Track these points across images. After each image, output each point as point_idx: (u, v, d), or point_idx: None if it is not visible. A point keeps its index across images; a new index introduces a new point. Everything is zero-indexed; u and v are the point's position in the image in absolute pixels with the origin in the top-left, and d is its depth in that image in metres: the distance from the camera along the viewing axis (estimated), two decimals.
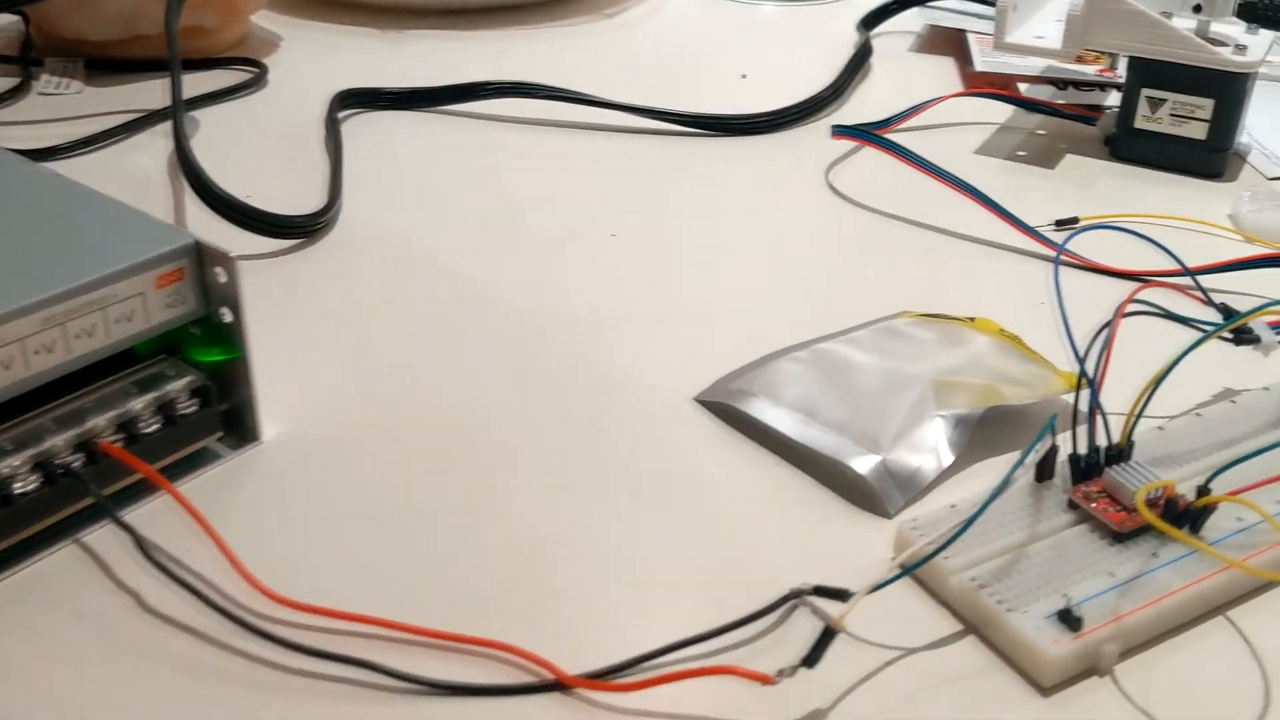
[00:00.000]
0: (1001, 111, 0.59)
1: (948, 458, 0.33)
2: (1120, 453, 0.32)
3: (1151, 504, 0.30)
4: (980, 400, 0.35)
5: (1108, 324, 0.32)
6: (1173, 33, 0.51)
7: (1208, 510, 0.30)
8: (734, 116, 0.57)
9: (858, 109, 0.61)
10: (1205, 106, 0.52)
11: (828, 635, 0.26)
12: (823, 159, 0.54)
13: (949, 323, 0.39)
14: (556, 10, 0.74)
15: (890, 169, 0.51)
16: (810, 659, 0.26)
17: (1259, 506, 0.29)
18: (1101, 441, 0.32)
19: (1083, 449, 0.32)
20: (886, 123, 0.56)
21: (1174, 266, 0.43)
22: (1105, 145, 0.55)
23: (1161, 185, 0.53)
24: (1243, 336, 0.35)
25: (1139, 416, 0.32)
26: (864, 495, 0.33)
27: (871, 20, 0.70)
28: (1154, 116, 0.53)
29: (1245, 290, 0.41)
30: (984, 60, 0.64)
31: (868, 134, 0.51)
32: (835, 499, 0.33)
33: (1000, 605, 0.28)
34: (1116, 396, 0.32)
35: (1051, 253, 0.46)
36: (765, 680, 0.25)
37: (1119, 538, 0.30)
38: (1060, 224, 0.48)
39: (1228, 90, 0.51)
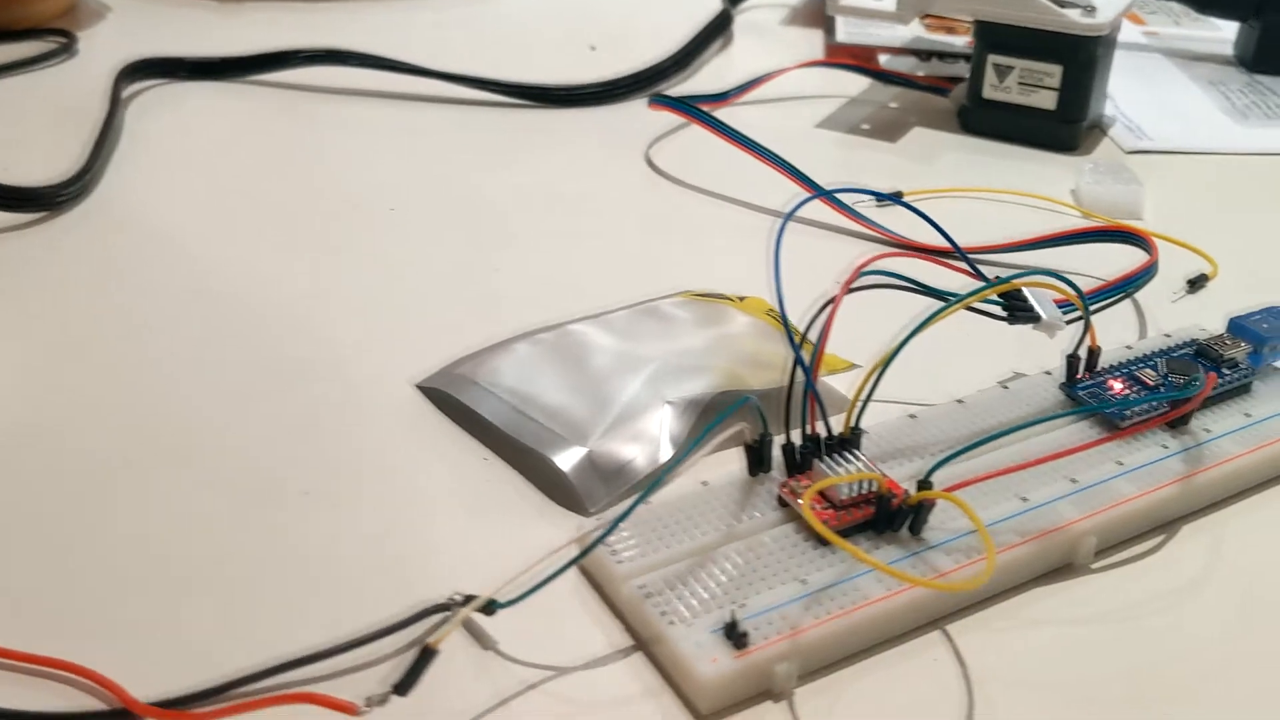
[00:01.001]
0: (857, 84, 0.56)
1: (668, 450, 0.30)
2: (841, 442, 0.28)
3: (859, 501, 0.26)
4: (716, 384, 0.31)
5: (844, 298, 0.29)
6: None
7: (924, 508, 0.26)
8: (558, 87, 0.53)
9: (707, 82, 0.57)
10: (1053, 74, 0.48)
11: (425, 656, 0.22)
12: (648, 134, 0.50)
13: (716, 302, 0.36)
14: None
15: (718, 145, 0.47)
16: (402, 685, 0.22)
17: (966, 505, 0.25)
18: (828, 430, 0.28)
19: (815, 439, 0.28)
20: (723, 96, 0.52)
21: (995, 242, 0.40)
22: (958, 118, 0.52)
23: (1009, 159, 0.49)
24: (1017, 313, 0.32)
25: (866, 400, 0.28)
26: (566, 492, 0.29)
27: None
28: (1002, 85, 0.49)
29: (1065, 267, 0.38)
30: (847, 31, 0.60)
31: (683, 105, 0.47)
32: (541, 498, 0.29)
33: (664, 618, 0.24)
34: (901, 383, 0.29)
35: (867, 230, 0.42)
36: (348, 710, 0.22)
37: (825, 540, 0.26)
38: (881, 199, 0.45)
39: (1076, 56, 0.48)
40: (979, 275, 0.32)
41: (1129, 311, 0.38)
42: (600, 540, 0.24)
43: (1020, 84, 0.49)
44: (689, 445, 0.25)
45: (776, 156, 0.44)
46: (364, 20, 0.64)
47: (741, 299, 0.36)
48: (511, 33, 0.63)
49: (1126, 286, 0.35)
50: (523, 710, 0.23)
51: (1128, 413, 0.30)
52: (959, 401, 0.31)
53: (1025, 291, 0.32)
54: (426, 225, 0.43)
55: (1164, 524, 0.29)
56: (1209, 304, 0.38)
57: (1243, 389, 0.32)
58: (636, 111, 0.53)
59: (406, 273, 0.39)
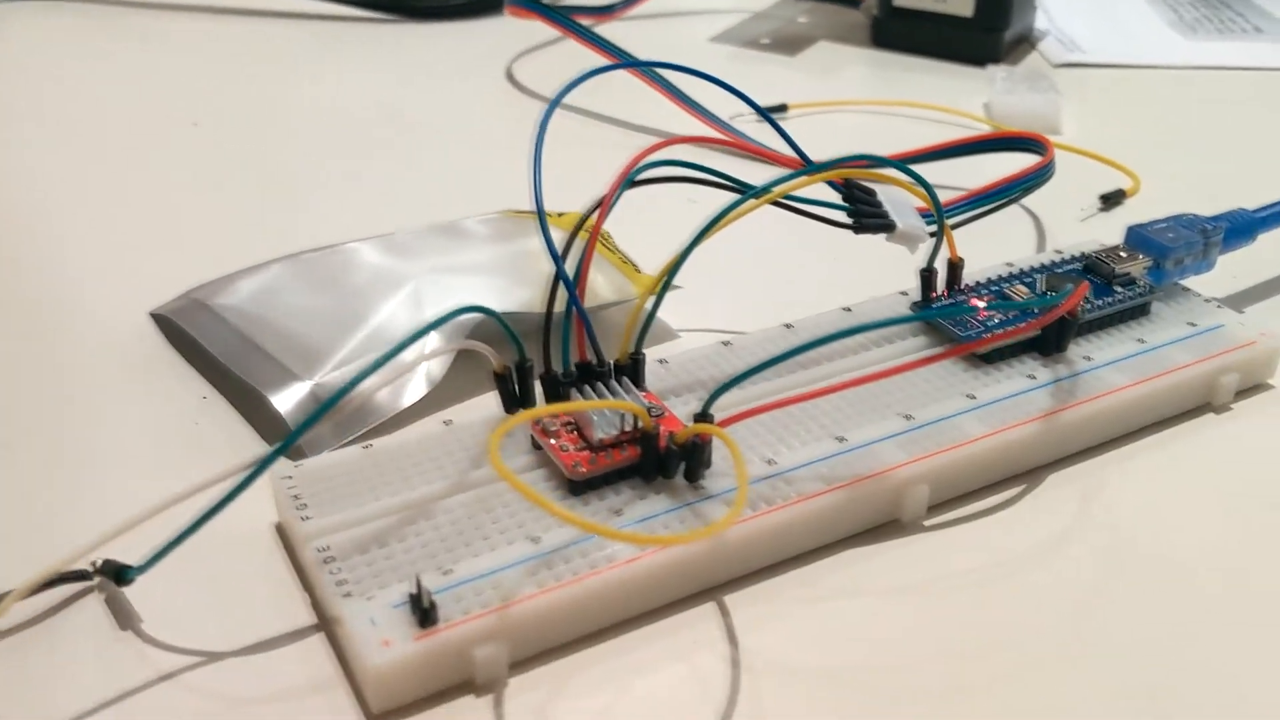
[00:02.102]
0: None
1: (421, 384, 0.24)
2: (618, 371, 0.22)
3: (623, 441, 0.21)
4: (495, 305, 0.25)
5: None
6: None
7: (695, 448, 0.20)
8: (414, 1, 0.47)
9: None
10: None
11: None
12: (514, 49, 0.44)
13: (527, 218, 0.30)
14: None
15: (592, 60, 0.41)
16: None
17: (729, 439, 0.19)
18: (599, 357, 0.22)
19: (587, 366, 0.22)
20: (608, 9, 0.46)
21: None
22: (871, 32, 0.46)
23: (921, 73, 0.43)
24: (866, 220, 0.26)
25: (648, 321, 0.22)
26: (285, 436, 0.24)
27: None
28: None
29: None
30: None
31: (541, 7, 0.41)
32: (260, 444, 0.24)
33: (340, 588, 0.19)
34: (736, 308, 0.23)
35: (736, 148, 0.36)
36: None
37: (575, 488, 0.21)
38: (764, 113, 0.39)
39: None
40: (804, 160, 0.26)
41: (1029, 229, 0.32)
42: (246, 483, 0.18)
43: None
44: (369, 368, 0.20)
45: (653, 72, 0.38)
46: None
47: (560, 214, 0.30)
48: None
49: (1010, 190, 0.29)
50: (141, 709, 0.18)
51: (968, 329, 0.24)
52: (787, 326, 0.26)
53: (880, 196, 0.27)
54: (237, 143, 0.37)
55: (1024, 472, 0.23)
56: (1126, 222, 0.32)
57: (1139, 310, 0.26)
58: (506, 26, 0.47)
59: (194, 194, 0.34)
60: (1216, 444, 0.24)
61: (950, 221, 0.28)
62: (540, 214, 0.22)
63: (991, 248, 0.29)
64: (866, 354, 0.25)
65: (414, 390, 0.24)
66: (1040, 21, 0.47)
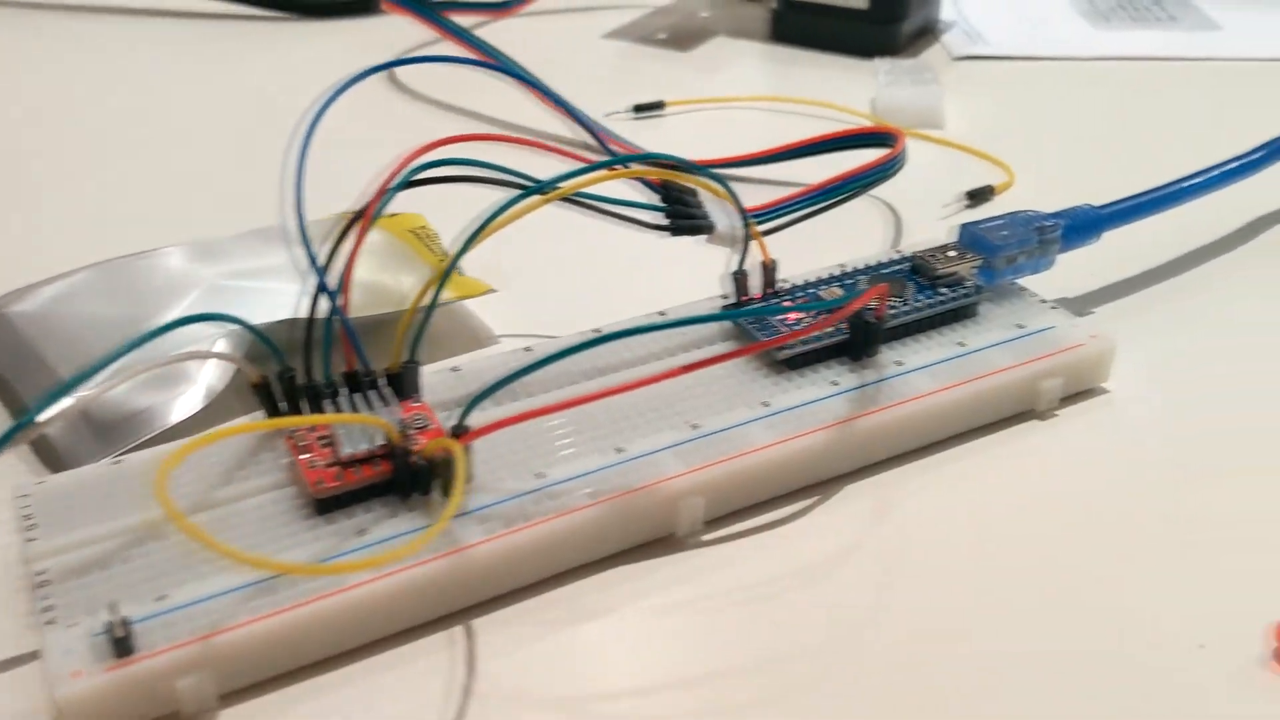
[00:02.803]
0: None
1: (196, 399, 0.23)
2: (390, 380, 0.21)
3: (373, 456, 0.20)
4: (288, 310, 0.24)
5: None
6: None
7: (440, 464, 0.19)
8: None
9: None
10: None
11: None
12: (400, 46, 0.43)
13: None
14: None
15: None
16: None
17: (458, 450, 0.18)
18: (364, 365, 0.21)
19: (353, 376, 0.21)
20: (505, 4, 0.46)
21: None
22: (771, 26, 0.45)
23: (815, 68, 0.42)
24: (681, 222, 0.25)
25: (421, 327, 0.21)
26: (50, 451, 0.23)
27: None
28: None
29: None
30: None
31: (419, 5, 0.40)
32: (30, 459, 0.23)
33: (44, 615, 0.18)
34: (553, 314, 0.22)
35: (597, 152, 0.35)
36: None
37: (321, 505, 0.20)
38: (639, 110, 0.38)
39: None
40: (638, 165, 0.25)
41: (889, 226, 0.31)
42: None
43: None
44: (86, 372, 0.19)
45: (511, 67, 0.37)
46: None
47: (392, 215, 0.29)
48: None
49: (850, 185, 0.28)
50: None
51: (770, 331, 0.23)
52: (595, 331, 0.24)
53: (702, 195, 0.25)
54: (95, 143, 0.36)
55: (818, 483, 0.22)
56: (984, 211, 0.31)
57: (965, 312, 0.25)
58: (393, 24, 0.46)
59: (44, 191, 0.33)
60: (1030, 452, 0.23)
61: (788, 218, 0.28)
62: (300, 220, 0.21)
63: (845, 245, 0.28)
64: (672, 359, 0.24)
65: (188, 404, 0.23)
66: (949, 12, 0.46)
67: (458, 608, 0.19)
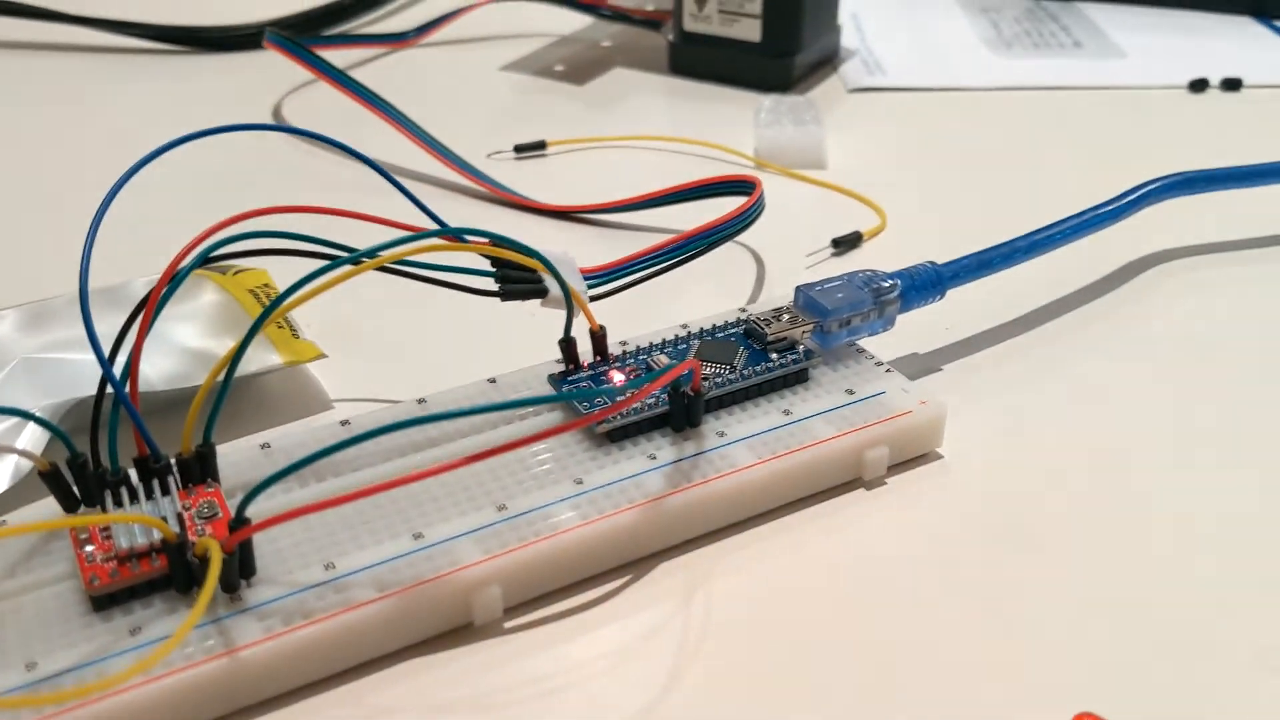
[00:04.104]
0: (576, 22, 0.48)
1: (5, 476, 0.23)
2: (182, 466, 0.21)
3: (149, 552, 0.19)
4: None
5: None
6: None
7: (216, 561, 0.19)
8: (186, 28, 0.46)
9: (398, 22, 0.49)
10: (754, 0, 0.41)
11: None
12: (290, 83, 0.43)
13: (201, 276, 0.28)
14: None
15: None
16: None
17: (215, 549, 0.18)
18: (152, 451, 0.21)
19: (146, 463, 0.21)
20: (401, 36, 0.45)
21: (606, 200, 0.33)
22: (669, 57, 0.44)
23: (707, 101, 0.41)
24: (511, 287, 0.24)
25: (214, 410, 0.21)
26: None
27: None
28: (702, 15, 0.42)
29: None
30: None
31: (293, 45, 0.39)
32: None
33: None
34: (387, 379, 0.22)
35: (491, 194, 0.35)
36: None
37: (101, 603, 0.19)
38: (521, 150, 0.37)
39: None
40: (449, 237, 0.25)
41: (751, 277, 0.31)
42: None
43: (721, 12, 0.42)
44: None
45: (389, 107, 0.37)
46: None
47: (237, 272, 0.29)
48: None
49: (698, 242, 0.27)
50: None
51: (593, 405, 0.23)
52: (420, 401, 0.24)
53: (544, 258, 0.25)
54: None
55: (631, 563, 0.22)
56: (861, 266, 0.31)
57: (796, 377, 0.24)
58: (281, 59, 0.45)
59: None
60: (849, 523, 0.23)
61: (629, 279, 0.27)
62: (83, 297, 0.21)
63: (701, 300, 0.28)
64: (494, 432, 0.23)
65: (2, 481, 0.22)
66: (852, 39, 0.46)
67: (237, 708, 0.19)
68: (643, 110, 0.41)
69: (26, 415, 0.20)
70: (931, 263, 0.27)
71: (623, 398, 0.23)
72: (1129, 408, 0.26)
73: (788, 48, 0.41)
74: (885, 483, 0.24)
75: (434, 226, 0.25)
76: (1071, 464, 0.24)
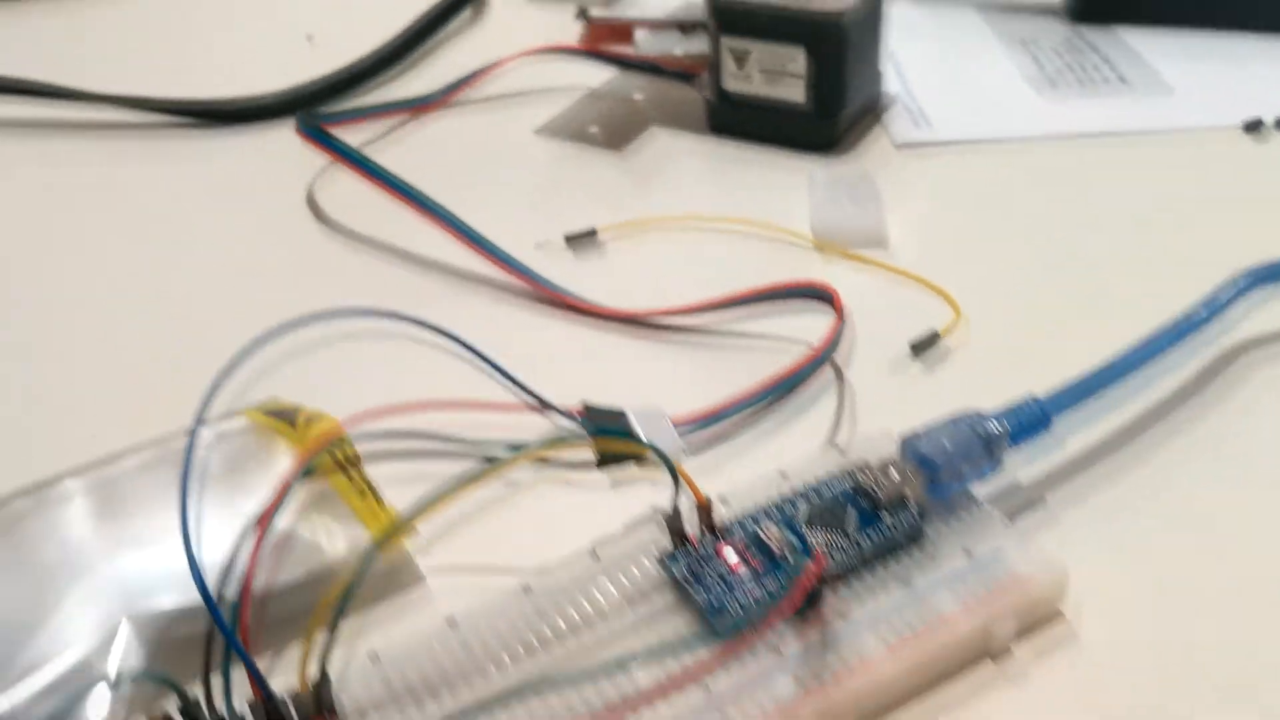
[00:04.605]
0: (602, 73, 0.47)
1: (101, 707, 0.22)
2: (297, 707, 0.20)
3: None
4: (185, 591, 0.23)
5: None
6: None
7: None
8: (206, 102, 0.44)
9: (440, 74, 0.48)
10: (797, 59, 0.39)
11: None
12: (321, 163, 0.41)
13: (269, 428, 0.27)
14: None
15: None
16: None
17: None
18: (266, 693, 0.20)
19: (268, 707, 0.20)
20: (424, 100, 0.44)
21: (683, 304, 0.32)
22: (706, 115, 0.43)
23: (755, 168, 0.40)
24: (611, 455, 0.23)
25: (330, 639, 0.20)
26: None
27: None
28: (742, 74, 0.41)
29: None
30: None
31: (322, 135, 0.38)
32: None
33: None
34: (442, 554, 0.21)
35: (546, 295, 0.34)
36: None
37: None
38: (572, 241, 0.36)
39: (823, 38, 0.39)
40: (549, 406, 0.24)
41: (830, 399, 0.30)
42: None
43: (763, 72, 0.40)
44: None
45: (428, 201, 0.36)
46: (39, 22, 0.54)
47: (309, 421, 0.28)
48: (205, 24, 0.54)
49: (780, 388, 0.26)
50: None
51: (718, 603, 0.22)
52: (525, 589, 0.23)
53: (630, 417, 0.24)
54: None
55: None
56: (943, 377, 0.30)
57: (910, 540, 0.24)
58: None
59: None
60: (989, 704, 0.22)
61: (722, 424, 0.26)
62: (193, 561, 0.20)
63: (787, 425, 0.27)
64: (612, 623, 0.22)
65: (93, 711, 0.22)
66: (891, 81, 0.45)
67: None
68: (687, 179, 0.40)
69: (158, 678, 0.19)
70: (1034, 397, 0.26)
71: (764, 615, 0.22)
72: (1247, 536, 0.25)
73: (833, 107, 0.40)
74: (1012, 654, 0.23)
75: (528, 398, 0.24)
76: (1207, 614, 0.23)
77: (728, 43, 0.40)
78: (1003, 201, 0.38)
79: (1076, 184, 0.38)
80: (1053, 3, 0.50)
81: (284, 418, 0.28)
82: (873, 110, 0.43)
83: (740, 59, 0.40)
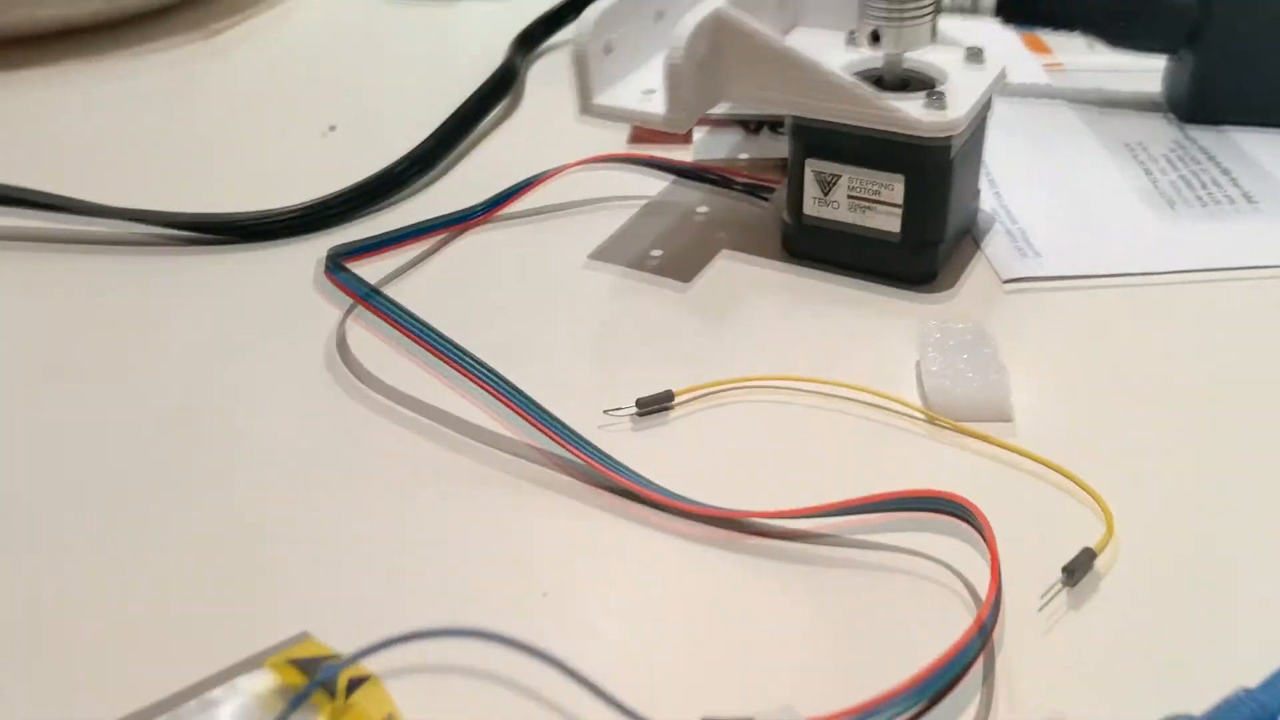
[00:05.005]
0: (659, 180, 0.42)
1: None
2: None
3: None
4: None
5: None
6: (826, 80, 0.33)
7: None
8: (230, 217, 0.39)
9: (461, 183, 0.43)
10: (893, 187, 0.35)
11: None
12: (345, 296, 0.36)
13: (302, 691, 0.22)
14: (135, 33, 0.56)
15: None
16: None
17: None
18: None
19: None
20: (460, 218, 0.39)
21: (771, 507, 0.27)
22: (781, 239, 0.38)
23: (845, 306, 0.35)
24: None
25: None
26: None
27: (532, 37, 0.51)
28: (828, 200, 0.36)
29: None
30: None
31: (350, 279, 0.33)
32: None
33: None
34: None
35: (624, 486, 0.29)
36: None
37: None
38: (644, 407, 0.31)
39: (923, 164, 0.34)
40: None
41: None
42: None
43: (852, 199, 0.35)
44: None
45: (477, 365, 0.31)
46: (54, 94, 0.50)
47: (350, 684, 0.23)
48: (215, 121, 0.49)
49: (931, 685, 0.21)
50: None
51: None
52: None
53: None
54: None
55: None
56: (1095, 615, 0.25)
57: None
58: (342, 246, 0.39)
59: None
60: None
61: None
62: None
63: None
64: None
65: None
66: (987, 197, 0.40)
67: None
68: (767, 321, 0.35)
69: None
70: (1245, 690, 0.21)
71: None
72: None
73: (930, 236, 0.35)
74: None
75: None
76: None
77: (813, 166, 0.35)
78: (1139, 356, 0.33)
79: (1226, 331, 0.33)
80: (1153, 95, 0.46)
81: (317, 675, 0.23)
82: (969, 231, 0.38)
83: (826, 184, 0.35)
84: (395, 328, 0.32)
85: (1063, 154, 0.42)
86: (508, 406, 0.30)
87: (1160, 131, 0.43)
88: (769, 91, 0.34)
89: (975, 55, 0.36)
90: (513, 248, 0.39)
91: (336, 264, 0.34)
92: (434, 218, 0.38)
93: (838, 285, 0.36)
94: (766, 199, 0.40)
